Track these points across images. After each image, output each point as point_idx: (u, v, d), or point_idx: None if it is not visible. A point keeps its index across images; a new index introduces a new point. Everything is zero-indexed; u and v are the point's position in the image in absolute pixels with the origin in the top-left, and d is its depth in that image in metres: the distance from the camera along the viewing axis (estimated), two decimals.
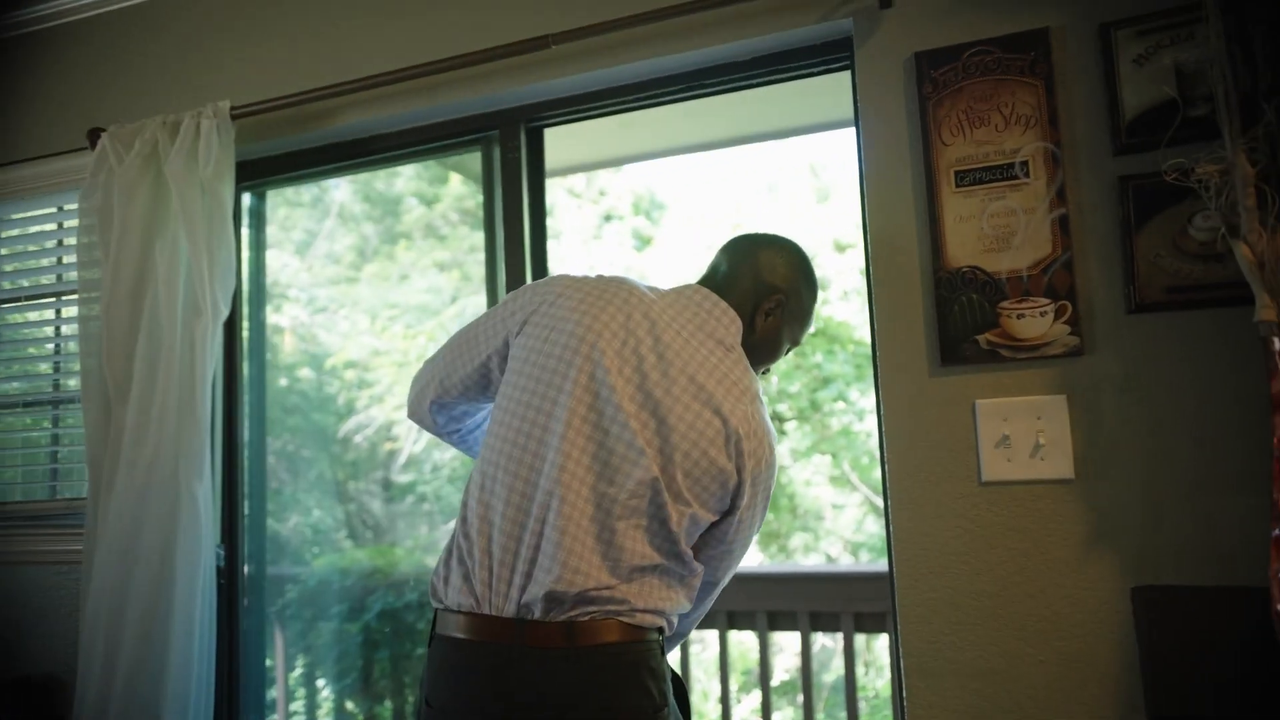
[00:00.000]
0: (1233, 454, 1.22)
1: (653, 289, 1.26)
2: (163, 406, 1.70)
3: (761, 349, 1.26)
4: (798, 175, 5.21)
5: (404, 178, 4.81)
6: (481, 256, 1.80)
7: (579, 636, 1.09)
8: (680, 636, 1.34)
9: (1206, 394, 1.24)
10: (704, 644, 3.34)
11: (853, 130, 1.54)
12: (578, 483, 1.10)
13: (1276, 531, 1.01)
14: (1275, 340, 1.03)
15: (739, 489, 1.14)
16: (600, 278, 1.25)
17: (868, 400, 4.68)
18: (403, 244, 4.87)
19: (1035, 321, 1.33)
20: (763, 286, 1.24)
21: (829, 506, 5.18)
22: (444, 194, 4.99)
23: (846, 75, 1.55)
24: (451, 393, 1.29)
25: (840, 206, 5.02)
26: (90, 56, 2.07)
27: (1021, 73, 1.37)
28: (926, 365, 1.39)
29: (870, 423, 4.63)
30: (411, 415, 1.33)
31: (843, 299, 4.81)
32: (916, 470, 1.38)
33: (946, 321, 1.37)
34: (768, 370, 1.34)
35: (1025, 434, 1.33)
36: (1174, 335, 1.26)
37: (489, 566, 1.13)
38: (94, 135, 1.87)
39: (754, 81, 1.62)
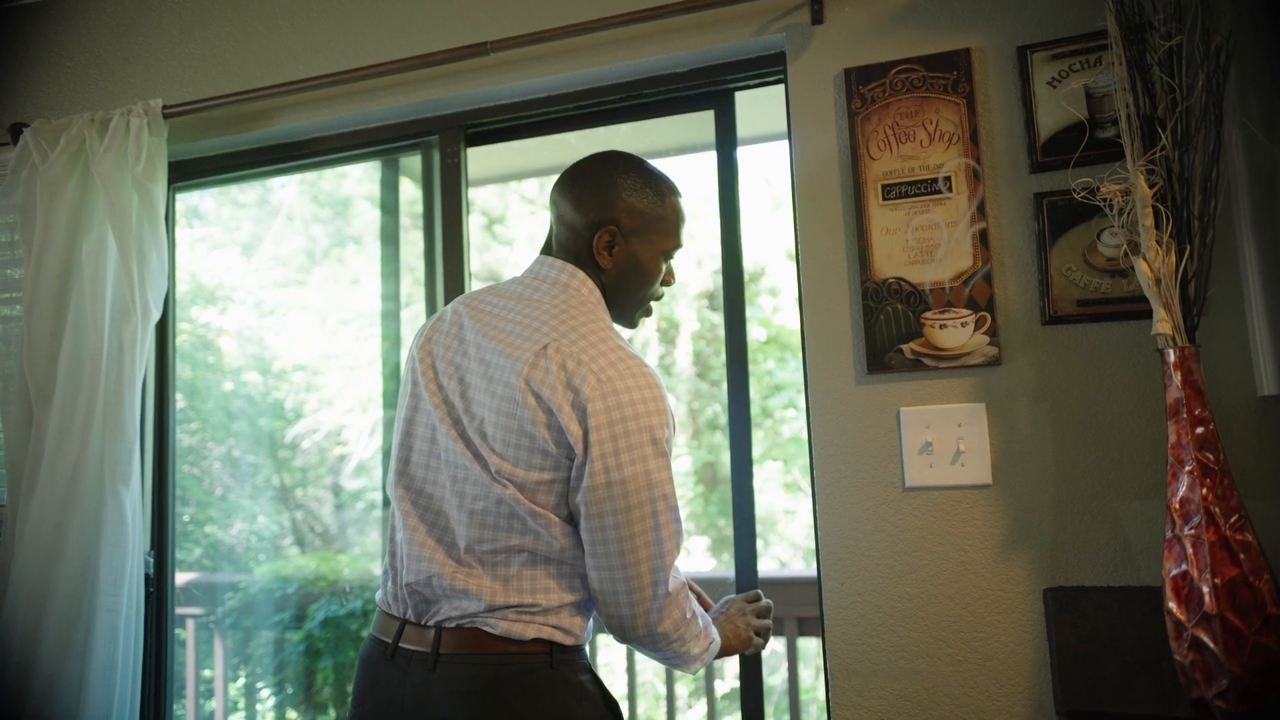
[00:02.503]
0: (1135, 459, 1.28)
1: (504, 285, 1.24)
2: (88, 410, 1.66)
3: (629, 279, 1.21)
4: (750, 184, 5.27)
5: (353, 180, 4.75)
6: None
7: (443, 643, 1.10)
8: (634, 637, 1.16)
9: (1112, 402, 1.30)
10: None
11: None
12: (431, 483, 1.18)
13: (1169, 533, 1.06)
14: (1170, 353, 1.08)
15: (565, 433, 1.06)
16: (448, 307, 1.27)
17: None
18: (351, 247, 4.81)
19: (956, 332, 1.37)
20: (586, 225, 1.19)
21: (781, 513, 5.24)
22: (396, 199, 4.95)
23: (782, 89, 1.59)
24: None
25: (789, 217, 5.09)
26: (13, 49, 2.01)
27: (945, 91, 1.42)
28: (853, 373, 1.43)
29: None
30: None
31: (794, 308, 4.88)
32: (843, 476, 1.42)
33: (872, 331, 1.41)
34: (660, 295, 1.29)
35: (947, 441, 1.37)
36: (1083, 346, 1.32)
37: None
38: (16, 130, 1.82)
39: (692, 92, 1.65)
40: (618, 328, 1.23)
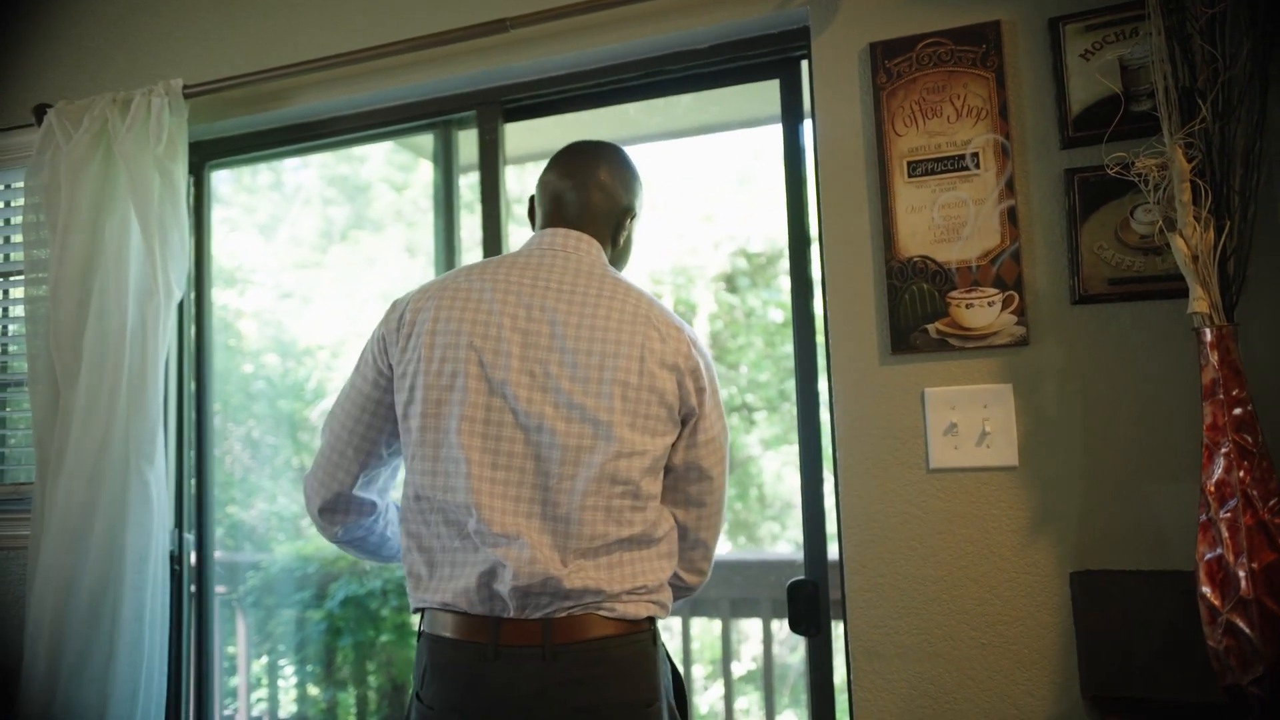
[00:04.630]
0: (1167, 442, 1.25)
1: (506, 259, 1.22)
2: (113, 389, 1.67)
3: (625, 256, 1.36)
4: (771, 164, 5.21)
5: (372, 163, 4.75)
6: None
7: (556, 634, 1.07)
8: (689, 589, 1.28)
9: (1144, 383, 1.27)
10: (670, 632, 3.36)
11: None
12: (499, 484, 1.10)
13: (1204, 516, 1.04)
14: (1207, 331, 1.05)
15: (686, 392, 1.15)
16: (458, 274, 1.20)
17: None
18: (369, 230, 4.81)
19: (983, 311, 1.35)
20: (624, 209, 1.30)
21: (799, 495, 5.23)
22: (413, 180, 4.94)
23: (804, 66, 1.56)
24: (354, 468, 1.21)
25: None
26: (37, 30, 2.02)
27: (973, 65, 1.38)
28: (877, 354, 1.41)
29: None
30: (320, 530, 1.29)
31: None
32: (866, 457, 1.40)
33: (897, 311, 1.39)
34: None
35: (972, 422, 1.35)
36: (1115, 326, 1.29)
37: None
38: (40, 111, 1.83)
39: (712, 69, 1.62)
40: None
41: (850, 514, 1.40)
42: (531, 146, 2.70)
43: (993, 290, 1.35)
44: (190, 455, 1.92)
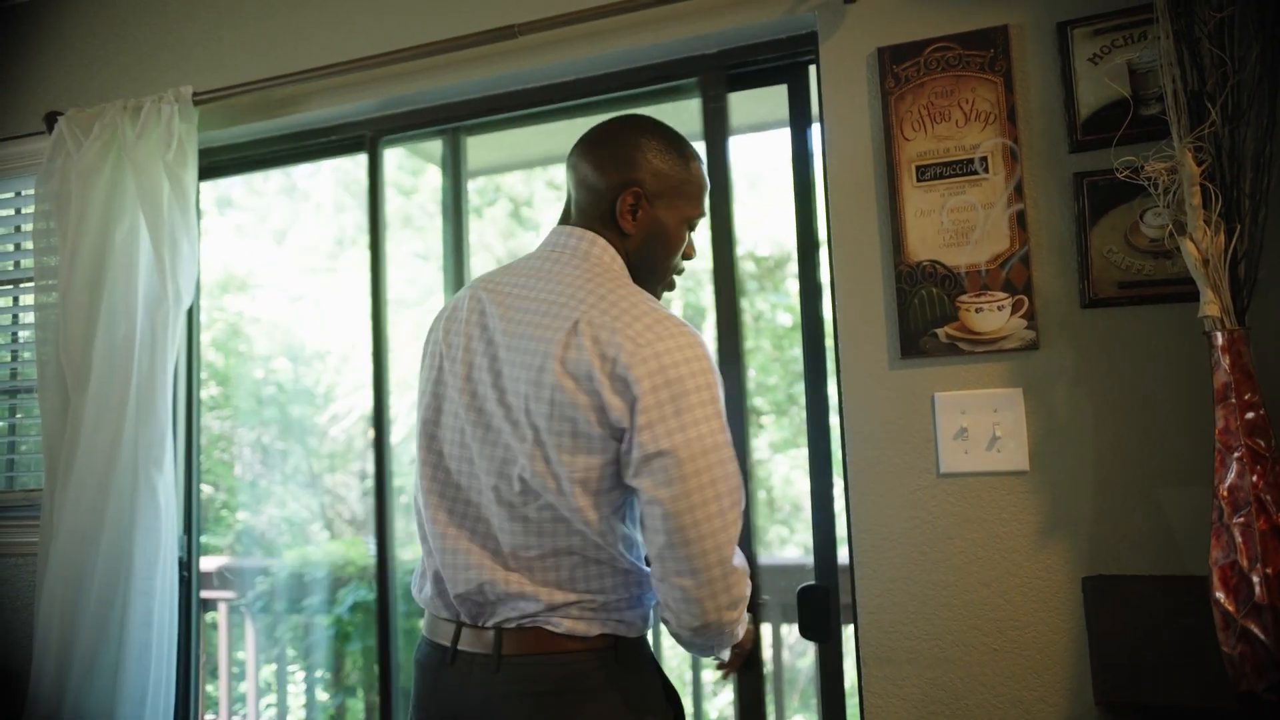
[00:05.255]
0: (1179, 446, 1.25)
1: (520, 262, 1.19)
2: (122, 396, 1.68)
3: (653, 246, 1.15)
4: (778, 168, 5.22)
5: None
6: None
7: (505, 644, 1.07)
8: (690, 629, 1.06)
9: (1155, 387, 1.26)
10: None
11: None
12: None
13: (1217, 521, 1.03)
14: (1218, 335, 1.05)
15: (606, 404, 1.00)
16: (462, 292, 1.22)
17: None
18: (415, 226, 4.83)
19: (993, 315, 1.34)
20: (609, 187, 1.13)
21: (808, 499, 5.22)
22: (421, 185, 4.96)
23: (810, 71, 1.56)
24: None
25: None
26: (47, 38, 2.04)
27: (981, 69, 1.38)
28: (886, 358, 1.40)
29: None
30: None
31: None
32: (876, 462, 1.40)
33: (906, 315, 1.39)
34: (681, 269, 1.22)
35: (982, 426, 1.34)
36: (1125, 330, 1.28)
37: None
38: (51, 119, 1.84)
39: (720, 74, 1.62)
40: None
41: (860, 518, 1.40)
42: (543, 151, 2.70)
43: (1002, 294, 1.34)
44: (198, 461, 1.93)
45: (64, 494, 1.68)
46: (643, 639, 1.15)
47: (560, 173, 5.00)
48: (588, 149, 1.17)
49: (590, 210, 1.15)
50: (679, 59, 1.62)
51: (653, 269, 1.17)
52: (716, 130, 1.59)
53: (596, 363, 1.00)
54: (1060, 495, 1.30)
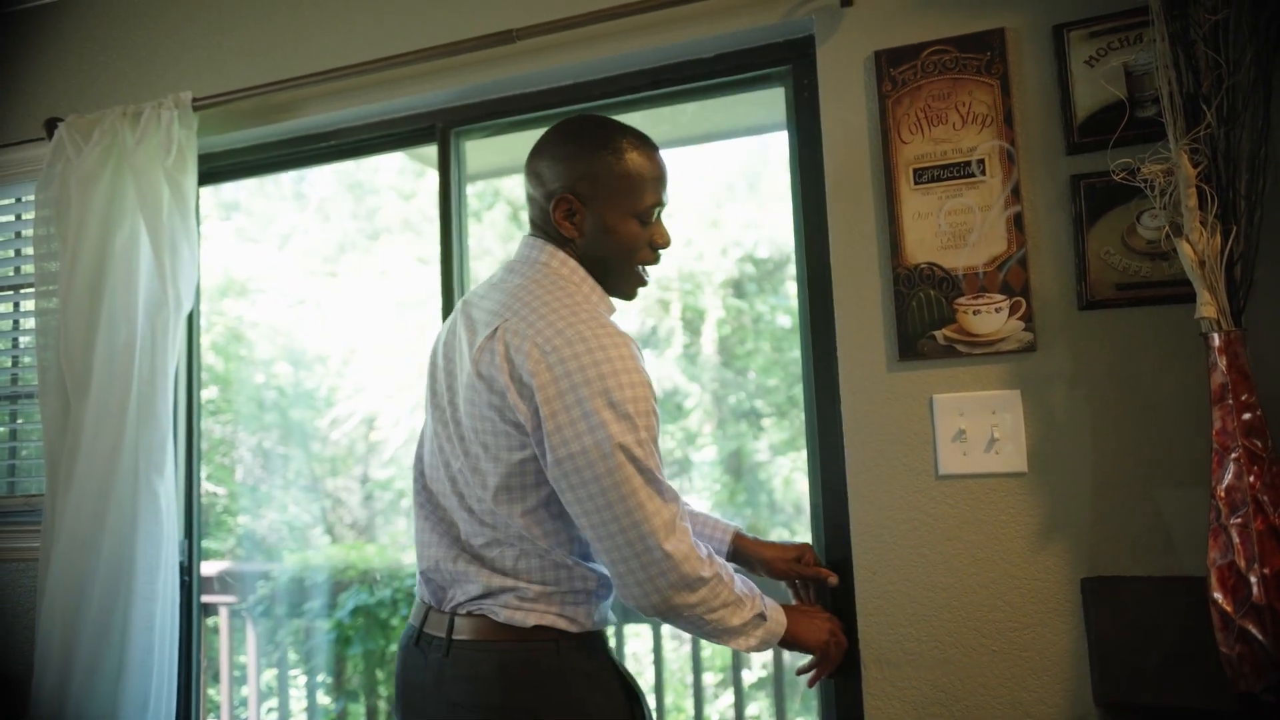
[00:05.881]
0: (1177, 447, 1.25)
1: (495, 273, 1.26)
2: (123, 401, 1.69)
3: (602, 247, 1.17)
4: (777, 171, 5.23)
5: (382, 172, 4.78)
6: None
7: (455, 629, 1.14)
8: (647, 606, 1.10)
9: (1153, 388, 1.27)
10: (680, 639, 3.35)
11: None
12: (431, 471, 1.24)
13: (1214, 522, 1.04)
14: (1215, 336, 1.05)
15: (510, 405, 1.06)
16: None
17: None
18: (381, 238, 4.84)
19: (991, 318, 1.35)
20: (545, 197, 1.17)
21: (808, 500, 5.22)
22: (420, 189, 4.97)
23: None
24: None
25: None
26: (47, 44, 2.04)
27: (978, 72, 1.38)
28: (884, 360, 1.40)
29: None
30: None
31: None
32: (874, 464, 1.40)
33: (904, 317, 1.39)
34: (653, 259, 1.22)
35: (980, 428, 1.35)
36: (1122, 331, 1.29)
37: None
38: (51, 125, 1.85)
39: (716, 80, 1.63)
40: (617, 303, 1.24)
41: (859, 521, 1.40)
42: None
43: (1000, 296, 1.34)
44: (199, 465, 1.94)
45: (65, 499, 1.68)
46: (592, 635, 1.16)
47: None
48: (528, 161, 1.22)
49: (537, 220, 1.21)
50: (681, 61, 1.62)
51: (612, 268, 1.19)
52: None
53: (504, 367, 1.05)
54: (1059, 497, 1.30)
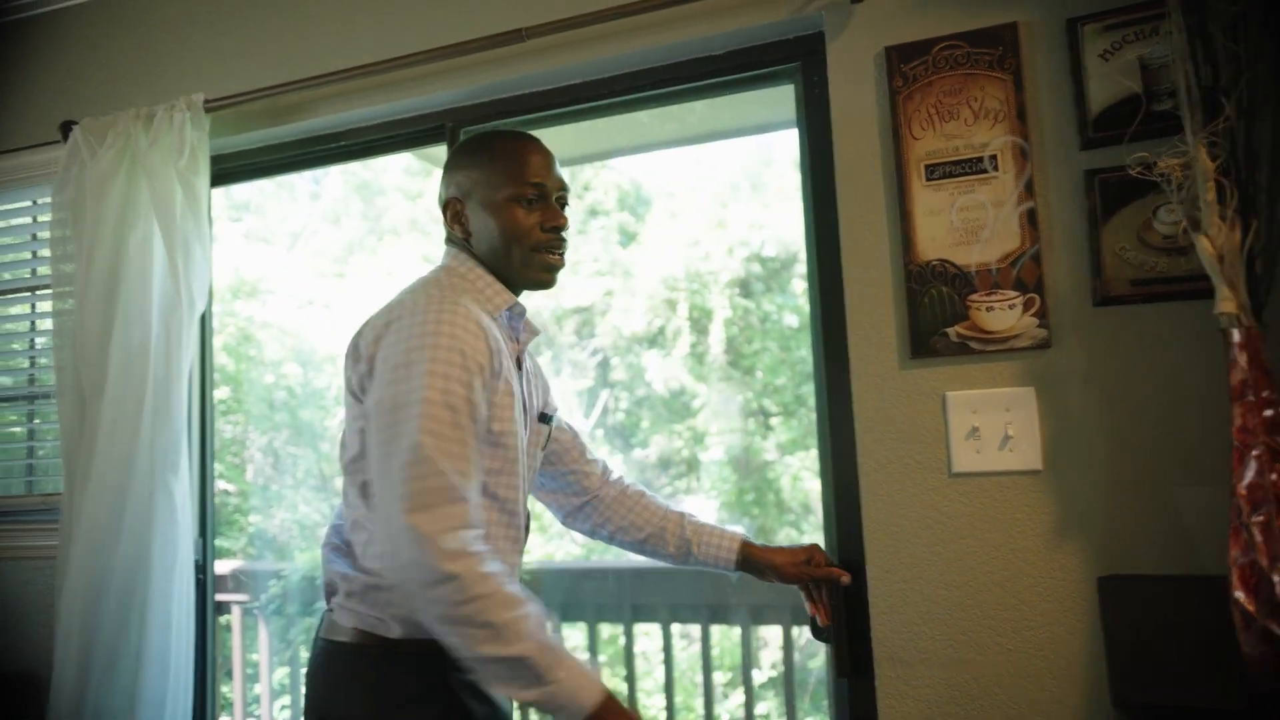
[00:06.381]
0: (1195, 444, 1.24)
1: None
2: (138, 401, 1.69)
3: (492, 237, 1.21)
4: (783, 169, 5.22)
5: (389, 172, 4.79)
6: None
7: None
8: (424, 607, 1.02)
9: (1170, 385, 1.26)
10: (688, 639, 3.35)
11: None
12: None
13: (1235, 520, 1.03)
14: (1234, 332, 1.04)
15: (358, 376, 1.15)
16: None
17: None
18: (387, 239, 4.85)
19: (1004, 314, 1.34)
20: (440, 208, 1.29)
21: (817, 500, 5.21)
22: (426, 189, 4.98)
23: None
24: None
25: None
26: (62, 49, 2.05)
27: (990, 67, 1.38)
28: (896, 358, 1.40)
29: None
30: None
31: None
32: (887, 462, 1.39)
33: (917, 314, 1.38)
34: (545, 242, 1.22)
35: (994, 426, 1.34)
36: (1138, 327, 1.28)
37: None
38: (66, 128, 1.86)
39: (726, 78, 1.62)
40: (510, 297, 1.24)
41: (872, 519, 1.39)
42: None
43: (1013, 293, 1.34)
44: (212, 465, 1.94)
45: (82, 498, 1.69)
46: (413, 642, 1.08)
47: (573, 172, 5.00)
48: (444, 170, 1.32)
49: (447, 231, 1.29)
50: (690, 59, 1.61)
51: (505, 255, 1.22)
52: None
53: (351, 349, 1.17)
54: (1075, 494, 1.29)
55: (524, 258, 1.21)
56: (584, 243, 4.89)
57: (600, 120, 1.78)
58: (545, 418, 1.33)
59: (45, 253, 2.06)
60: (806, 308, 1.53)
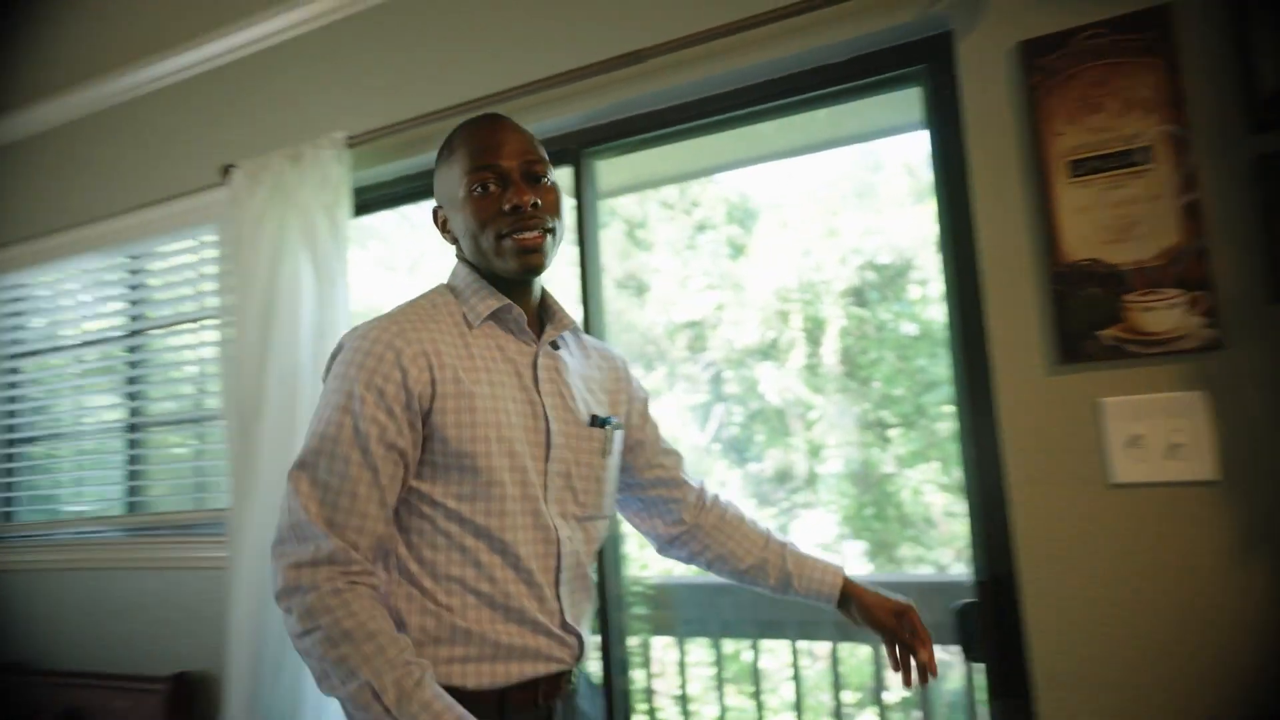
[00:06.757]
0: None
1: None
2: (292, 421, 1.81)
3: (465, 231, 1.14)
4: (893, 176, 5.08)
5: None
6: (569, 272, 1.84)
7: None
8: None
9: None
10: (812, 656, 3.27)
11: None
12: None
13: None
14: None
15: None
16: None
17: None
18: None
19: (1165, 314, 1.25)
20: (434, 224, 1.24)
21: (940, 514, 5.00)
22: None
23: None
24: None
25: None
26: (219, 100, 2.24)
27: (1138, 53, 1.30)
28: (1043, 364, 1.33)
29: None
30: None
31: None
32: (1038, 474, 1.32)
33: (1065, 317, 1.31)
34: (510, 227, 1.11)
35: (1159, 433, 1.25)
36: None
37: None
38: (226, 171, 2.03)
39: (849, 84, 1.59)
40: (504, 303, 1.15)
41: (1025, 533, 1.33)
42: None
43: (1175, 291, 1.25)
44: None
45: (248, 513, 1.82)
46: (481, 693, 1.03)
47: (672, 193, 5.03)
48: None
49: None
50: (812, 68, 1.60)
51: (478, 245, 1.14)
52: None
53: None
54: (1260, 506, 1.19)
55: (494, 247, 1.11)
56: (693, 257, 4.90)
57: (711, 136, 1.78)
58: (600, 421, 1.20)
59: (206, 287, 2.24)
60: (924, 315, 1.47)
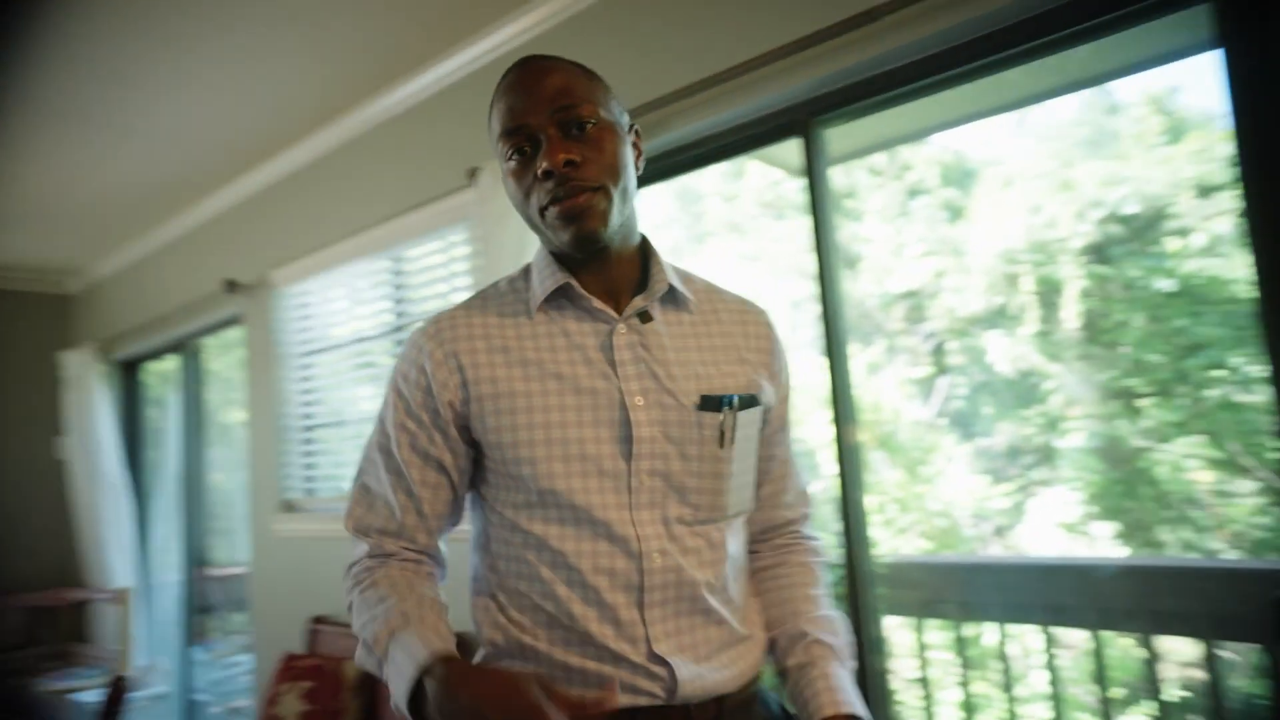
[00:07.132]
0: None
1: None
2: None
3: (511, 197, 0.99)
4: (1136, 117, 4.51)
5: (706, 177, 5.00)
6: (785, 248, 1.80)
7: None
8: None
9: None
10: (1061, 644, 3.01)
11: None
12: None
13: None
14: None
15: None
16: None
17: (1256, 368, 3.91)
18: (707, 241, 5.05)
19: None
20: None
21: (1211, 494, 4.41)
22: (740, 190, 5.11)
23: None
24: None
25: (1199, 144, 4.25)
26: (464, 108, 2.43)
27: None
28: None
29: (1262, 394, 3.85)
30: None
31: (1208, 251, 4.06)
32: None
33: None
34: (546, 196, 0.94)
35: None
36: None
37: None
38: (473, 173, 2.20)
39: (1120, 11, 1.43)
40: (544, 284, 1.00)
41: None
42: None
43: None
44: None
45: None
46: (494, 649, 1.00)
47: (879, 159, 4.81)
48: None
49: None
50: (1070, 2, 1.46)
51: (531, 225, 0.99)
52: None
53: None
54: None
55: (540, 224, 0.96)
56: (907, 224, 4.66)
57: (954, 90, 1.67)
58: (712, 402, 0.97)
59: (457, 283, 2.45)
60: (1183, 270, 1.28)
